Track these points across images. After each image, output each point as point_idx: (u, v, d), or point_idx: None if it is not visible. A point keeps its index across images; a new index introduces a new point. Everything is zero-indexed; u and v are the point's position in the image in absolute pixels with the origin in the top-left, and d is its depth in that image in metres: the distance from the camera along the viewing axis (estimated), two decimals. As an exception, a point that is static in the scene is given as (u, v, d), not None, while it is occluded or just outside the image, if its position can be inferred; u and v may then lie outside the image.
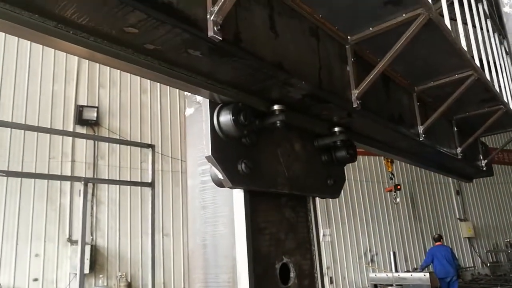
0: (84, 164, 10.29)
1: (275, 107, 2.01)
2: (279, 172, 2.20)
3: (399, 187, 12.07)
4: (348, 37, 2.31)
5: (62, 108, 10.23)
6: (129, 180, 10.54)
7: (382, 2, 2.01)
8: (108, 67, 11.13)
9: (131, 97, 11.28)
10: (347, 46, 2.33)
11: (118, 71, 11.07)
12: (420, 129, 3.11)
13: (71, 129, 10.20)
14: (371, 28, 2.22)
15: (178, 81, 1.63)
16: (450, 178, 17.14)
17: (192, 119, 2.23)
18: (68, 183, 9.91)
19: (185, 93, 2.16)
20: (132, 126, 11.07)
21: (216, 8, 1.41)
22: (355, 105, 2.23)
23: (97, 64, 10.75)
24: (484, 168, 4.69)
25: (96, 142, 10.33)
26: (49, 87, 10.15)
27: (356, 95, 2.23)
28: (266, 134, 2.16)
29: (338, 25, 2.21)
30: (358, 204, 14.70)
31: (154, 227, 5.96)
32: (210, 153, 1.82)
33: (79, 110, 10.31)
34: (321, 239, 13.94)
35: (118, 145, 10.52)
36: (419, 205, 16.48)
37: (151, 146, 6.19)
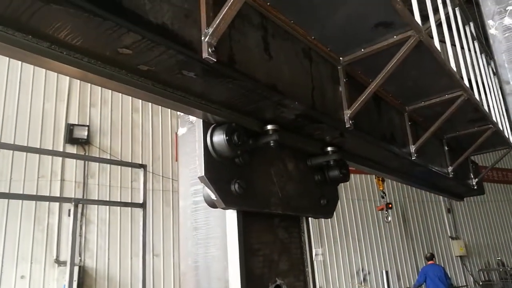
0: (73, 183, 10.14)
1: (269, 127, 2.01)
2: (273, 192, 2.18)
3: (390, 205, 12.07)
4: (340, 58, 2.34)
5: (53, 127, 10.13)
6: (119, 200, 10.40)
7: (374, 24, 2.04)
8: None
9: (123, 116, 11.23)
10: (339, 67, 2.36)
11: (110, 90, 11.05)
12: (412, 148, 3.13)
13: (61, 148, 10.08)
14: (362, 50, 2.25)
15: (172, 102, 1.62)
16: (441, 197, 17.23)
17: (185, 138, 2.21)
18: (57, 202, 9.74)
19: (178, 112, 2.15)
20: (123, 145, 10.99)
21: (210, 30, 1.42)
22: (347, 125, 2.24)
23: (88, 83, 10.73)
24: (475, 187, 4.73)
25: (86, 161, 10.22)
26: (39, 106, 10.07)
27: (348, 115, 2.25)
28: (259, 154, 2.16)
29: (330, 46, 2.24)
30: (350, 223, 14.65)
31: (145, 248, 5.86)
32: (203, 174, 1.80)
33: (70, 128, 10.22)
34: (313, 259, 13.82)
35: (108, 164, 10.42)
36: (411, 223, 16.47)
37: (142, 166, 6.13)
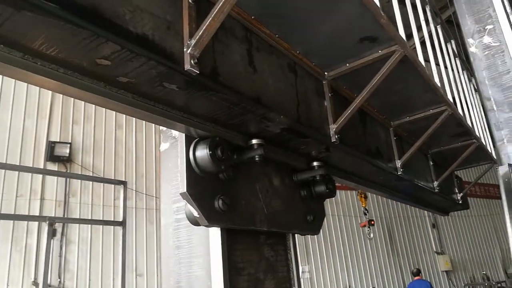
0: (54, 202, 9.87)
1: (254, 141, 1.97)
2: (258, 208, 2.13)
3: (372, 222, 12.08)
4: (325, 72, 2.33)
5: (33, 144, 9.89)
6: (101, 219, 10.14)
7: (358, 39, 2.04)
8: (83, 102, 10.98)
9: (106, 132, 11.06)
10: (324, 82, 2.34)
11: (93, 106, 10.94)
12: (398, 163, 3.12)
13: (41, 166, 9.83)
14: (347, 64, 2.25)
15: (153, 115, 1.57)
16: (426, 212, 17.35)
17: (167, 154, 2.15)
18: (36, 222, 9.44)
19: (161, 128, 2.10)
20: (106, 162, 10.78)
21: (193, 41, 1.38)
22: (333, 140, 2.21)
23: (71, 100, 10.60)
24: (460, 201, 4.75)
25: (67, 179, 9.98)
26: (19, 122, 9.85)
27: (334, 129, 2.22)
28: (244, 169, 2.11)
29: (315, 61, 2.23)
30: (337, 240, 14.59)
31: (125, 267, 5.67)
32: (185, 190, 1.73)
33: (51, 146, 9.99)
34: (300, 276, 13.65)
35: (91, 182, 10.19)
36: (397, 239, 16.50)
37: (123, 183, 5.99)
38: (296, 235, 2.56)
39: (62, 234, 9.93)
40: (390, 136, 3.19)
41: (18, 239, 9.34)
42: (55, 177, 9.98)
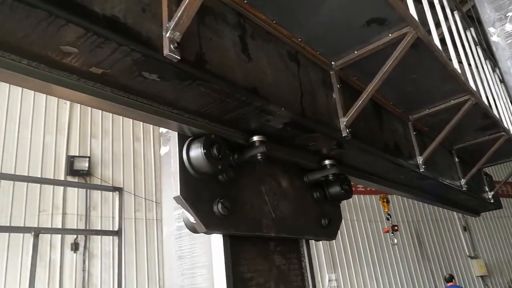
0: (76, 216, 9.93)
1: (255, 138, 1.80)
2: (265, 212, 1.95)
3: (396, 228, 11.65)
4: (332, 62, 2.15)
5: (53, 159, 10.02)
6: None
7: (365, 21, 1.86)
8: (100, 117, 11.11)
9: (124, 145, 11.11)
10: (331, 72, 2.16)
11: (111, 120, 11.04)
12: (420, 159, 2.88)
13: (62, 178, 9.93)
14: (356, 52, 2.06)
15: (139, 112, 1.42)
16: (456, 214, 16.68)
17: (167, 158, 2.01)
18: (59, 236, 9.50)
19: (160, 129, 1.96)
20: (125, 175, 10.82)
21: (172, 23, 1.23)
22: (344, 134, 2.02)
23: (89, 115, 10.75)
24: (492, 201, 4.42)
25: (88, 192, 10.03)
26: (39, 138, 10.00)
27: (344, 123, 2.03)
28: (247, 170, 1.94)
29: (320, 49, 2.06)
30: (364, 246, 14.12)
31: (121, 282, 5.54)
32: (178, 193, 1.58)
33: (71, 160, 10.10)
34: (326, 285, 13.20)
35: (110, 194, 10.21)
36: (426, 243, 15.87)
37: (117, 189, 5.90)
38: (310, 241, 2.36)
39: (85, 248, 9.97)
40: (409, 131, 2.96)
41: (42, 254, 9.41)
42: (76, 192, 10.06)
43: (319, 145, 2.07)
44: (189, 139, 1.66)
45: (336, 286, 13.21)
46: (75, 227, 9.75)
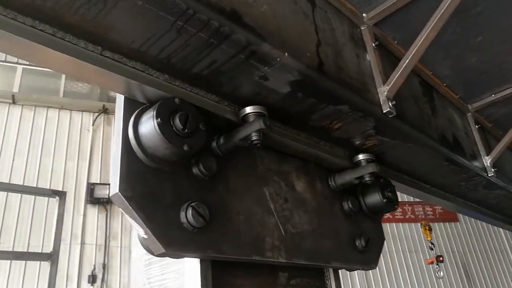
0: (94, 246, 9.50)
1: (248, 109, 1.17)
2: (269, 226, 1.29)
3: (441, 258, 10.48)
4: (363, 14, 1.52)
5: (74, 186, 9.75)
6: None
7: None
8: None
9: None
10: (362, 28, 1.53)
11: None
12: (487, 160, 2.15)
13: (82, 208, 9.60)
14: (394, -5, 1.43)
15: (55, 53, 0.85)
16: (508, 244, 15.13)
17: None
18: (76, 268, 9.05)
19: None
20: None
21: None
22: (386, 109, 1.36)
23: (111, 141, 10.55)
24: None
25: (108, 223, 9.63)
26: (61, 165, 9.80)
27: (386, 93, 1.37)
28: (242, 163, 1.31)
29: (345, -7, 1.44)
30: (404, 280, 12.81)
31: None
32: (117, 189, 0.96)
33: (91, 188, 9.79)
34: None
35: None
36: (475, 277, 14.30)
37: (57, 193, 5.29)
38: (340, 271, 1.67)
39: (103, 280, 9.47)
40: (468, 124, 2.24)
41: (58, 285, 8.98)
42: (96, 221, 9.71)
43: (348, 128, 1.42)
44: (140, 108, 1.06)
45: (375, 326, 11.95)
46: (94, 258, 9.34)
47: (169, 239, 1.00)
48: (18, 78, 10.18)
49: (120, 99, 1.07)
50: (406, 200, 13.40)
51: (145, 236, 1.00)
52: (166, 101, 1.01)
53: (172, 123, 1.00)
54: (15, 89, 9.98)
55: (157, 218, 1.00)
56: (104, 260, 9.47)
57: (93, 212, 9.78)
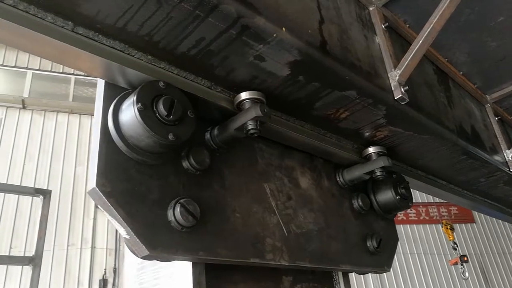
0: (105, 250, 9.47)
1: (243, 95, 1.06)
2: (270, 225, 1.17)
3: (466, 258, 10.17)
4: (371, -7, 1.40)
5: (84, 190, 9.74)
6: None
7: None
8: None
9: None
10: (371, 8, 1.40)
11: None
12: (508, 155, 1.99)
13: (92, 213, 9.59)
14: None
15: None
16: (526, 245, 14.71)
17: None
18: (87, 272, 9.03)
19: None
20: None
21: None
22: (398, 95, 1.23)
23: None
24: None
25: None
26: (71, 170, 9.80)
27: (397, 78, 1.24)
28: (239, 156, 1.19)
29: (350, -31, 1.31)
30: (420, 283, 12.52)
31: None
32: (94, 184, 0.85)
33: (101, 191, 9.78)
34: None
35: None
36: (493, 280, 13.91)
37: (40, 192, 5.10)
38: (350, 274, 1.54)
39: (113, 284, 9.44)
40: (488, 115, 2.09)
41: (69, 290, 8.98)
42: (106, 225, 9.69)
43: (356, 117, 1.29)
44: (122, 94, 0.95)
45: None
46: (105, 262, 9.33)
47: (154, 240, 0.89)
48: (28, 83, 10.24)
49: (100, 84, 0.96)
50: (420, 201, 13.12)
51: (127, 237, 0.89)
52: (149, 84, 0.90)
53: (155, 109, 0.89)
54: (25, 94, 10.03)
55: (140, 217, 0.89)
56: (115, 264, 9.43)
57: (103, 216, 9.74)
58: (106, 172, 0.87)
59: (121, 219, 0.86)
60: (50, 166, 9.79)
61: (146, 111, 0.87)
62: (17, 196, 8.95)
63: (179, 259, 0.96)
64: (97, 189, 0.85)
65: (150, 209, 0.91)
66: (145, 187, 0.92)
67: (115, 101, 0.93)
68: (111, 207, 0.86)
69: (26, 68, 10.48)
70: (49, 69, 10.89)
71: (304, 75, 1.05)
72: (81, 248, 9.40)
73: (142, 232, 0.88)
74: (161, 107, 0.89)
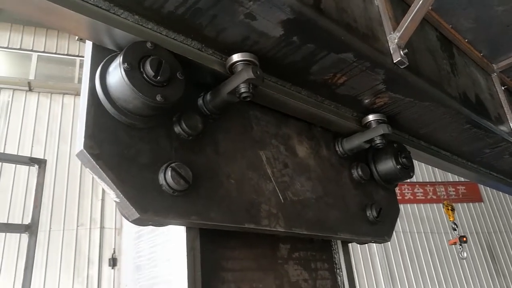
0: (113, 230, 9.61)
1: (235, 57, 1.03)
2: (265, 192, 1.16)
3: (464, 239, 10.19)
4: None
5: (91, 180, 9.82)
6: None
7: None
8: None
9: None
10: (370, -31, 1.35)
11: None
12: (514, 124, 1.95)
13: (100, 193, 9.69)
14: None
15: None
16: (534, 223, 14.66)
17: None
18: (97, 252, 9.20)
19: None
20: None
21: None
22: (397, 58, 1.19)
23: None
24: None
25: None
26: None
27: (396, 40, 1.20)
28: (234, 123, 1.17)
29: None
30: (426, 262, 12.57)
31: None
32: (82, 146, 0.84)
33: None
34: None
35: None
36: (501, 258, 13.92)
37: (35, 161, 5.08)
38: (350, 244, 1.53)
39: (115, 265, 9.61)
40: (494, 85, 2.04)
41: (80, 269, 9.17)
42: (114, 205, 9.79)
43: (354, 82, 1.26)
44: (109, 56, 0.93)
45: (396, 308, 11.82)
46: (113, 242, 9.50)
47: (145, 203, 0.88)
48: (34, 65, 10.24)
49: (88, 47, 0.94)
50: (428, 180, 13.07)
51: (117, 200, 0.88)
52: (136, 44, 0.88)
53: (142, 69, 0.87)
54: (31, 77, 10.05)
55: (130, 180, 0.88)
56: (121, 244, 9.58)
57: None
58: (94, 135, 0.86)
59: (110, 181, 0.85)
60: (58, 147, 9.86)
61: (132, 72, 0.85)
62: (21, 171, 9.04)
63: (171, 223, 0.96)
64: (84, 151, 0.84)
65: (141, 173, 0.90)
66: (135, 150, 0.91)
67: (102, 63, 0.91)
68: (100, 170, 0.85)
69: (31, 50, 10.47)
70: (54, 51, 10.87)
71: (298, 35, 1.02)
72: (90, 228, 9.54)
73: (132, 195, 0.87)
74: (148, 68, 0.87)
